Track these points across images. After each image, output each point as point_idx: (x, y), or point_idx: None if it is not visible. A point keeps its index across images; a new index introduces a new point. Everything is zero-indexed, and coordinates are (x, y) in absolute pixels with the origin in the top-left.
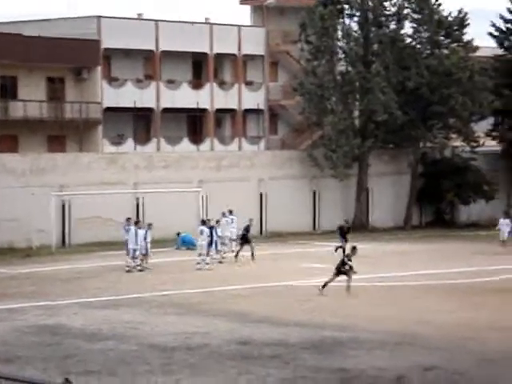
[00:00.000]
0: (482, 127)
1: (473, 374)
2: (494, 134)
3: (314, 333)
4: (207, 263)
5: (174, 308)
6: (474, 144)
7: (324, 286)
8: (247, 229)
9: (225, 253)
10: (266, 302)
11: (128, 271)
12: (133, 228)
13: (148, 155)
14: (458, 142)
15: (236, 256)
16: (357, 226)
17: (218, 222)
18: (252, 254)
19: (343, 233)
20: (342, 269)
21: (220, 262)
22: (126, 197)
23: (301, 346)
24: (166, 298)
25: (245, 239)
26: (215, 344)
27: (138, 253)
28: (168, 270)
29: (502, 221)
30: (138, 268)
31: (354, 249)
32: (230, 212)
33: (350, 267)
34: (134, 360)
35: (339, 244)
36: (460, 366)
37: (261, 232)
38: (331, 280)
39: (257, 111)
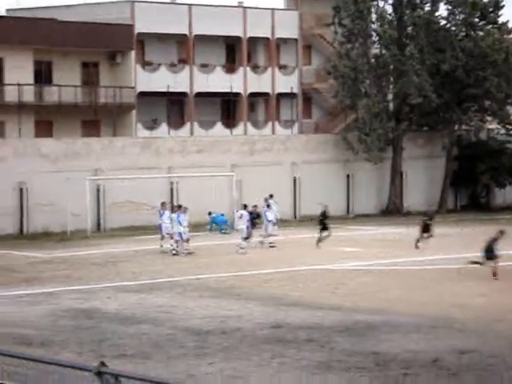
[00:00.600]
0: None
1: (507, 357)
2: None
3: (347, 316)
4: (242, 247)
5: (208, 292)
6: (510, 126)
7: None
8: (324, 214)
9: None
10: (300, 285)
11: (174, 254)
12: (167, 212)
13: (182, 139)
14: (493, 125)
15: (318, 242)
16: (391, 210)
17: (268, 205)
18: (319, 239)
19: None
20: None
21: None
22: (160, 181)
23: (335, 329)
24: (200, 281)
25: (323, 224)
26: (249, 328)
27: (185, 236)
28: (202, 254)
29: None
30: (173, 252)
31: (501, 233)
32: (271, 196)
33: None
34: (168, 343)
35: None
36: (495, 349)
37: (295, 216)
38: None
39: (290, 95)
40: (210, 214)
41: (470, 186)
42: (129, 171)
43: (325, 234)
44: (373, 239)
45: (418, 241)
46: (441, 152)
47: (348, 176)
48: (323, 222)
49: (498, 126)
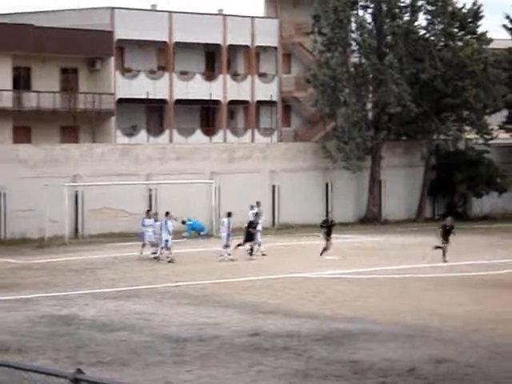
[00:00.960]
0: (495, 120)
1: (484, 367)
2: (507, 126)
3: (325, 324)
4: (222, 255)
5: (186, 299)
6: (488, 137)
7: None
8: (327, 222)
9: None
10: (278, 293)
11: (155, 258)
12: (151, 220)
13: (161, 147)
14: (471, 135)
15: (323, 252)
16: (370, 219)
17: (257, 214)
18: (325, 249)
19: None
20: None
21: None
22: (138, 188)
23: (312, 337)
24: (178, 289)
25: (328, 233)
26: (227, 335)
27: (169, 243)
28: (182, 262)
29: None
30: (154, 256)
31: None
32: (258, 204)
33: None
34: (146, 351)
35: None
36: (471, 359)
37: (273, 224)
38: None
39: (270, 103)
40: (183, 222)
41: (447, 196)
42: (107, 178)
43: (328, 242)
44: (351, 247)
45: (441, 249)
46: (419, 161)
47: (327, 184)
48: (329, 229)
49: (476, 136)
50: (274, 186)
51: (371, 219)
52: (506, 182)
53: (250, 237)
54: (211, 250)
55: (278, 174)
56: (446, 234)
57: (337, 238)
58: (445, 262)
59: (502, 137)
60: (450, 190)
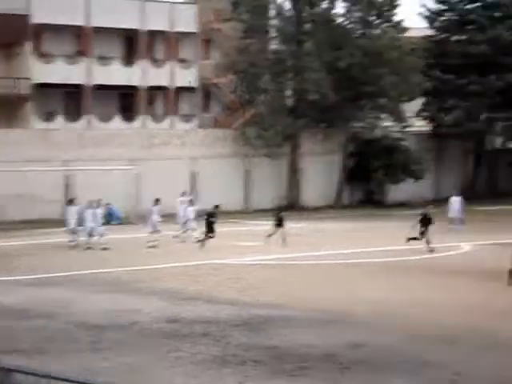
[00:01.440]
0: (412, 108)
1: (399, 350)
2: (423, 114)
3: (245, 311)
4: (150, 241)
5: (104, 286)
6: (404, 124)
7: None
8: (280, 211)
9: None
10: (198, 280)
11: (104, 249)
12: (76, 208)
13: (79, 132)
14: (388, 122)
15: (269, 236)
16: (288, 205)
17: (191, 201)
18: (283, 239)
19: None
20: None
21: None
22: (55, 174)
23: (231, 323)
24: (97, 275)
25: (280, 222)
26: (145, 322)
27: (101, 231)
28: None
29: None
30: (88, 246)
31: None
32: (184, 193)
33: None
34: (63, 338)
35: None
36: (387, 343)
37: None
38: None
39: (189, 89)
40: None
41: (364, 182)
42: (24, 163)
43: (279, 230)
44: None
45: (416, 240)
46: (338, 149)
47: (246, 171)
48: (279, 218)
49: (393, 124)
50: (193, 173)
51: (290, 206)
52: (421, 169)
53: (210, 228)
54: (136, 236)
55: (198, 161)
56: (425, 222)
57: (257, 225)
58: (430, 250)
59: (419, 125)
60: (367, 177)
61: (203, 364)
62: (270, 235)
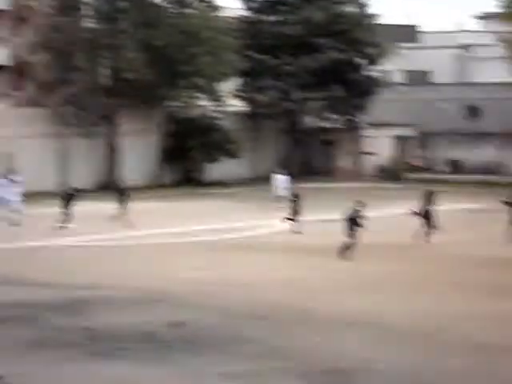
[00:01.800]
0: (230, 88)
1: (217, 329)
2: (241, 94)
3: (60, 293)
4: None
5: None
6: (219, 104)
7: None
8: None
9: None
10: (13, 263)
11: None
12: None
13: None
14: (205, 102)
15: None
16: (107, 185)
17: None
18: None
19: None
20: None
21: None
22: None
23: (48, 306)
24: None
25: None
26: None
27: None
28: None
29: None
30: None
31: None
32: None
33: None
34: None
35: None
36: (205, 322)
37: None
38: None
39: (2, 67)
40: None
41: (183, 162)
42: None
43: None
44: (89, 215)
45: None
46: (155, 128)
47: (63, 151)
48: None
49: (211, 104)
50: (8, 154)
51: (108, 186)
52: (237, 147)
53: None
54: None
55: (12, 141)
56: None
57: (77, 206)
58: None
59: (237, 105)
60: (184, 157)
61: (19, 348)
62: (118, 216)
